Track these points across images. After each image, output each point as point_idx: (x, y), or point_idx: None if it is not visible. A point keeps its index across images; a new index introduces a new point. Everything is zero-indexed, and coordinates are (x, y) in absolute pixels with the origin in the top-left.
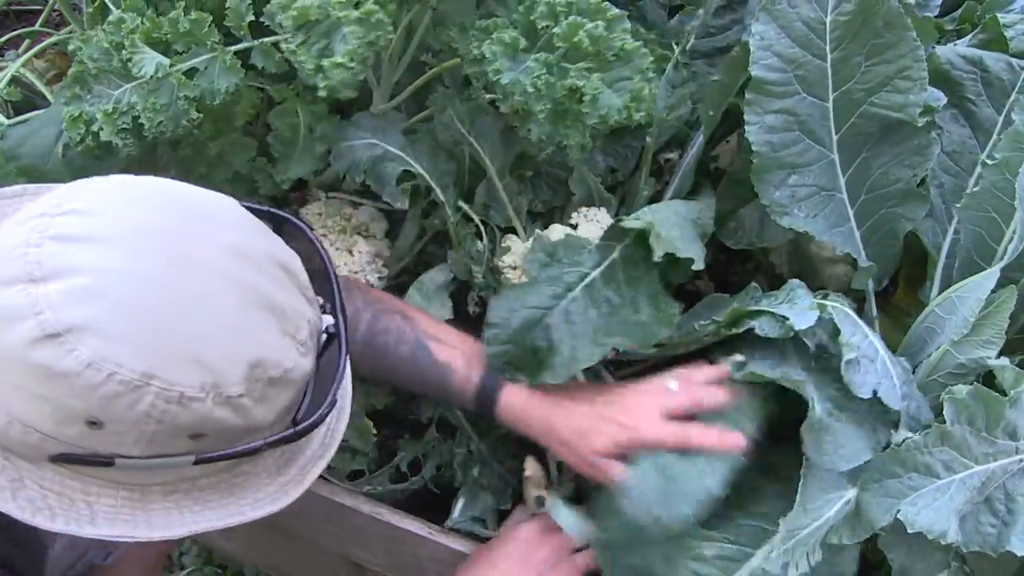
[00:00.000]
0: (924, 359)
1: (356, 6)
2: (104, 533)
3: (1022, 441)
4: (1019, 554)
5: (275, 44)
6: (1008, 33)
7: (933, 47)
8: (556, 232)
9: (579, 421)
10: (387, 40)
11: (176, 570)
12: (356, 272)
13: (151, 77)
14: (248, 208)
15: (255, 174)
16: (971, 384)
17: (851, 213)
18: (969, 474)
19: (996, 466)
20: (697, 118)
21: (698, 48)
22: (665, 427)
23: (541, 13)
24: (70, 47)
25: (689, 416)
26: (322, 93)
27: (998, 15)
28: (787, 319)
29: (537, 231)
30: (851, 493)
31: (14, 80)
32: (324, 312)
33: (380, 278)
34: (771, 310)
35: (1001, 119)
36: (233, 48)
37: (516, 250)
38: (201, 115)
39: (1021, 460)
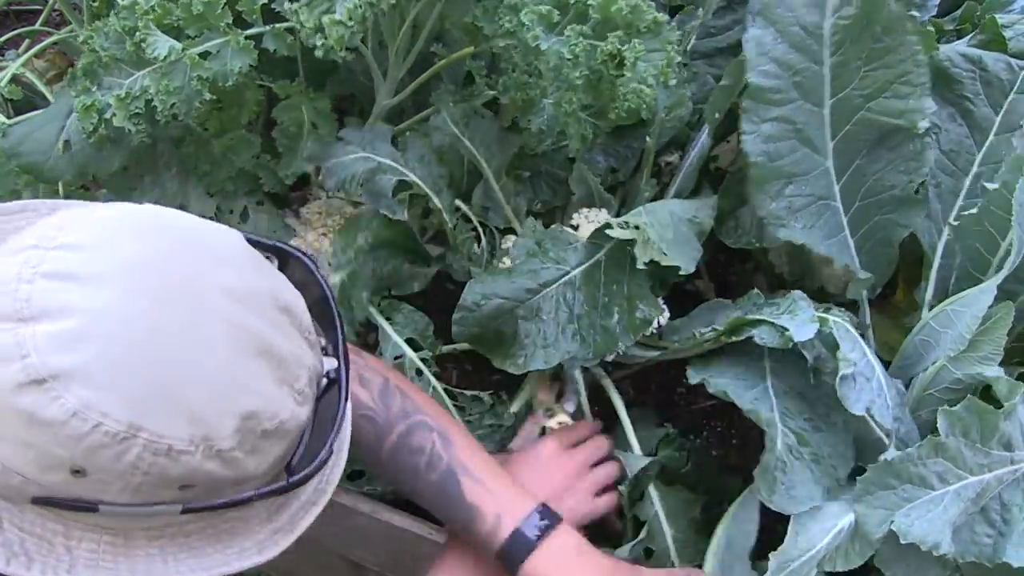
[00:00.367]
0: (919, 372)
1: None
2: None
3: (1017, 452)
4: (1015, 565)
5: (287, 28)
6: (1007, 33)
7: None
8: None
9: None
10: (388, 4)
11: None
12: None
13: (164, 59)
14: (252, 242)
15: (259, 171)
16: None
17: (845, 221)
18: (963, 485)
19: (991, 477)
20: (698, 118)
21: (698, 48)
22: None
23: None
24: (79, 39)
25: None
26: (319, 53)
27: (997, 16)
28: (787, 330)
29: (531, 219)
30: (844, 521)
31: (14, 79)
32: (326, 354)
33: None
34: (772, 320)
35: (998, 119)
36: (245, 32)
37: None
38: (214, 97)
39: (1016, 471)
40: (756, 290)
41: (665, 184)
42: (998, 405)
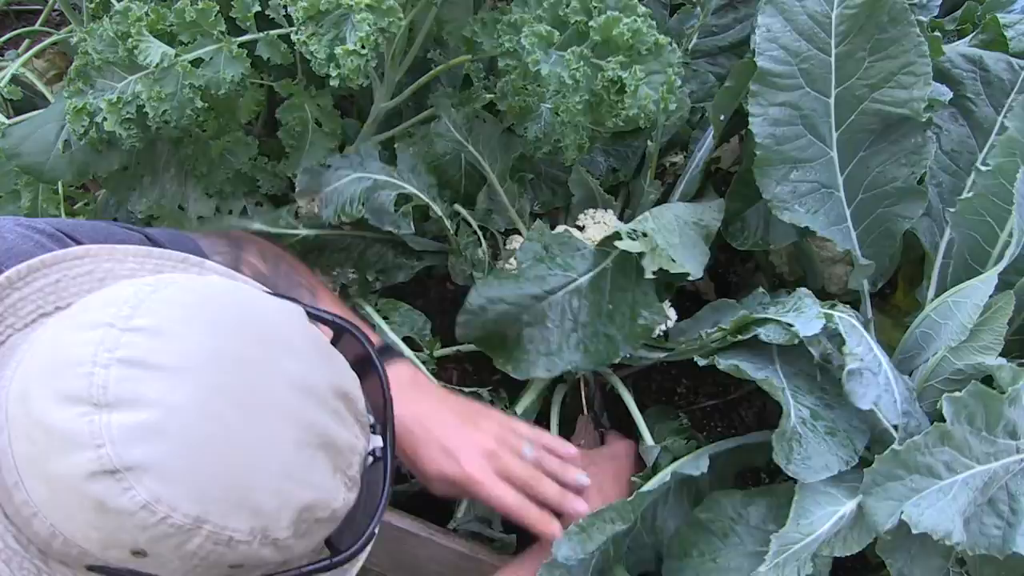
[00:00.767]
0: (920, 364)
1: None
2: None
3: (1022, 440)
4: None
5: (281, 36)
6: (1008, 33)
7: None
8: None
9: (445, 438)
10: (398, 27)
11: None
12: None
13: (156, 66)
14: (311, 315)
15: (256, 173)
16: None
17: (848, 211)
18: (971, 474)
19: (998, 466)
20: (700, 117)
21: (699, 47)
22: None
23: (573, 8)
24: (73, 40)
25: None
26: (334, 83)
27: (998, 15)
28: (793, 326)
29: (539, 222)
30: (846, 507)
31: (14, 79)
32: (373, 432)
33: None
34: (778, 318)
35: (1000, 119)
36: (239, 40)
37: None
38: (206, 104)
39: (1022, 459)
40: (761, 289)
41: (670, 185)
42: (1001, 393)
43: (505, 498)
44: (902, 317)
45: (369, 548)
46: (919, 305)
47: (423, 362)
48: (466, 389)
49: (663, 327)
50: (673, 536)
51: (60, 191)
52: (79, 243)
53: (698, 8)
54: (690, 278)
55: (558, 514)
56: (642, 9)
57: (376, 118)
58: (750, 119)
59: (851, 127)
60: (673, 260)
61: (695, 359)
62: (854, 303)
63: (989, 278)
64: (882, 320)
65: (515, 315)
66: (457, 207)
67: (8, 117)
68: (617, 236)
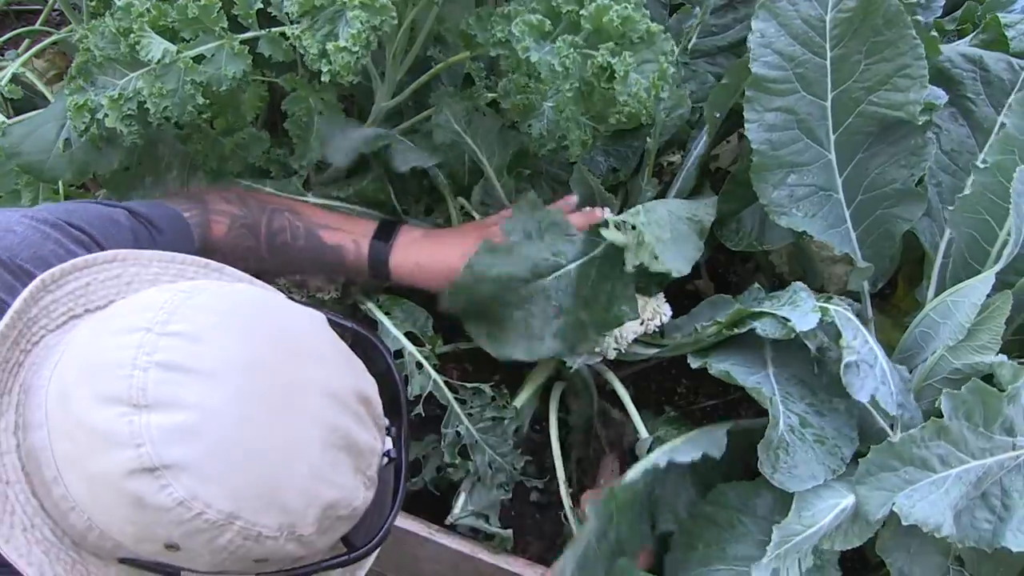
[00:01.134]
0: (920, 363)
1: None
2: None
3: (1019, 437)
4: (1014, 549)
5: (283, 33)
6: (1009, 33)
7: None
8: None
9: (464, 249)
10: (391, 26)
11: None
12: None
13: (158, 62)
14: (331, 322)
15: (271, 165)
16: None
17: (847, 213)
18: (965, 469)
19: (992, 461)
20: (699, 117)
21: (699, 47)
22: None
23: None
24: (75, 37)
25: None
26: (325, 78)
27: (999, 15)
28: (789, 320)
29: (531, 194)
30: (848, 500)
31: (14, 79)
32: (388, 434)
33: None
34: (773, 312)
35: (1000, 119)
36: (240, 36)
37: None
38: (207, 101)
39: (1018, 456)
40: (757, 284)
41: (667, 183)
42: (1001, 391)
43: None
44: (902, 317)
45: (381, 546)
46: (919, 305)
47: (425, 358)
48: (468, 385)
49: (658, 323)
50: (677, 529)
51: (60, 190)
52: (82, 231)
53: (697, 8)
54: (676, 275)
55: None
56: None
57: (377, 117)
58: (746, 125)
59: (848, 129)
60: (656, 258)
61: (688, 362)
62: (854, 300)
63: (987, 278)
64: (882, 320)
65: (500, 295)
66: (461, 200)
67: (8, 117)
68: (604, 224)
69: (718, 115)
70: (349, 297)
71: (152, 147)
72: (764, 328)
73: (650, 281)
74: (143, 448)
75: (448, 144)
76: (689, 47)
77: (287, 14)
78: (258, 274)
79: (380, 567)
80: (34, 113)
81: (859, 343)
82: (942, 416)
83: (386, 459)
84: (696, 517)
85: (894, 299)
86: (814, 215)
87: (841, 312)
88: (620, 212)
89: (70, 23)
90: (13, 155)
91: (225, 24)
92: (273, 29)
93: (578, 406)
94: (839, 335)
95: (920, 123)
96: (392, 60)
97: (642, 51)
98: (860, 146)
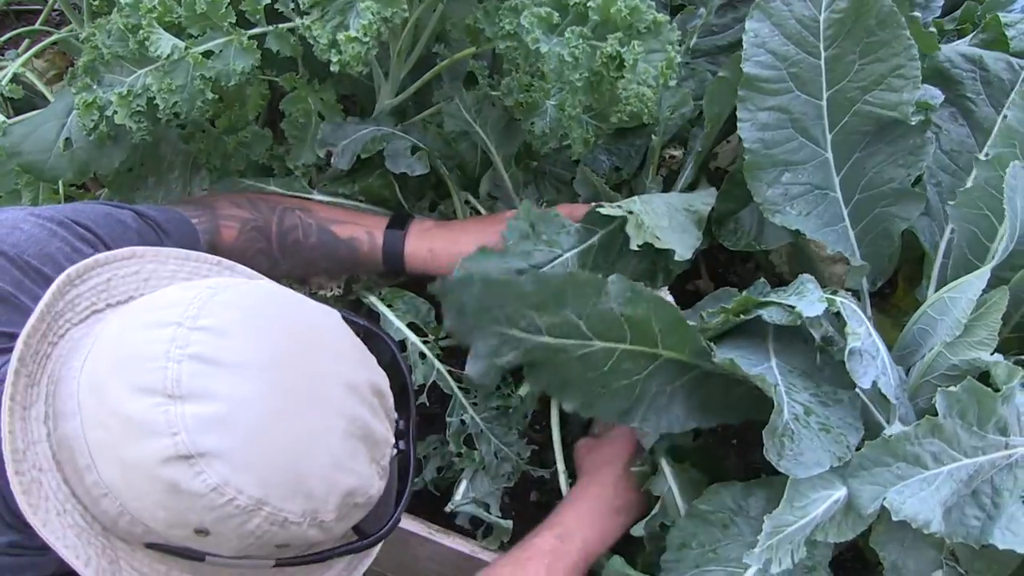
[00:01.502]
0: (917, 360)
1: None
2: None
3: (1012, 437)
4: (1000, 547)
5: (291, 29)
6: (1009, 33)
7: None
8: None
9: (478, 238)
10: (402, 18)
11: None
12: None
13: (167, 58)
14: (345, 319)
15: (273, 163)
16: None
17: (845, 212)
18: (957, 467)
19: (984, 460)
20: (699, 115)
21: (700, 46)
22: None
23: None
24: (81, 36)
25: None
26: (335, 68)
27: (999, 15)
28: (795, 308)
29: (527, 200)
30: (841, 492)
31: (14, 79)
32: (396, 427)
33: None
34: (780, 300)
35: (1000, 118)
36: (249, 32)
37: None
38: (216, 96)
39: (1010, 456)
40: (763, 279)
41: (670, 181)
42: (996, 391)
43: None
44: (902, 317)
45: (390, 535)
46: (919, 305)
47: (428, 347)
48: None
49: None
50: (672, 528)
51: (60, 190)
52: (89, 230)
53: (702, 8)
54: (677, 259)
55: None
56: None
57: (380, 115)
58: (739, 124)
59: (845, 129)
60: (658, 238)
61: None
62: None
63: (983, 273)
64: (882, 320)
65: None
66: (466, 194)
67: (8, 117)
68: (600, 205)
69: (716, 109)
70: (351, 293)
71: (155, 146)
72: (771, 315)
73: (655, 273)
74: (179, 436)
75: (458, 133)
76: (690, 47)
77: (296, 7)
78: (270, 277)
79: (380, 567)
80: (34, 113)
81: (863, 332)
82: (937, 414)
83: (395, 451)
84: (691, 516)
85: (894, 299)
86: (808, 213)
87: (846, 303)
88: None
89: (70, 23)
90: (13, 155)
91: (233, 20)
92: (281, 25)
93: None
94: (844, 325)
95: (914, 123)
96: (397, 58)
97: (649, 40)
98: (857, 145)
